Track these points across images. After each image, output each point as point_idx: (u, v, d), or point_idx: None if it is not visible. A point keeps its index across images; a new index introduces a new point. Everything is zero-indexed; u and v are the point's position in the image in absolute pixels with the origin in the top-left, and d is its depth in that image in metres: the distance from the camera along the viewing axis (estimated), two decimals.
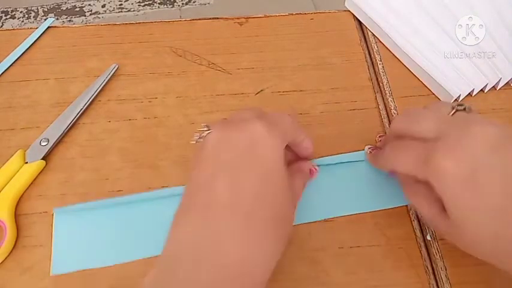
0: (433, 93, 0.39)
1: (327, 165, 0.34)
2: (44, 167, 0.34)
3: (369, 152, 0.34)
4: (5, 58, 0.40)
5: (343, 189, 0.33)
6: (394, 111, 0.38)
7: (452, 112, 0.27)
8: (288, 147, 0.32)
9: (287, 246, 0.26)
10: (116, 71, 0.40)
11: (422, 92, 0.39)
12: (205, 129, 0.27)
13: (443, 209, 0.25)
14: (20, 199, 0.33)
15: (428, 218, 0.27)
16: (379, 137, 0.35)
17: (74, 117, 0.36)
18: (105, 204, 0.32)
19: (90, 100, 0.37)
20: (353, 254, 0.31)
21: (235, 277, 0.23)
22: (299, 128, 0.30)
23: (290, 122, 0.29)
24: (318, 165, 0.33)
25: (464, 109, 0.27)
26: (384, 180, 0.33)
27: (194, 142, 0.28)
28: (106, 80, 0.39)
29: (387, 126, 0.37)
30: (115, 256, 0.30)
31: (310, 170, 0.33)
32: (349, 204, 0.33)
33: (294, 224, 0.31)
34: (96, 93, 0.38)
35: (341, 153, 0.35)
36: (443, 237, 0.28)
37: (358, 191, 0.33)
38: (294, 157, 0.33)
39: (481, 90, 0.39)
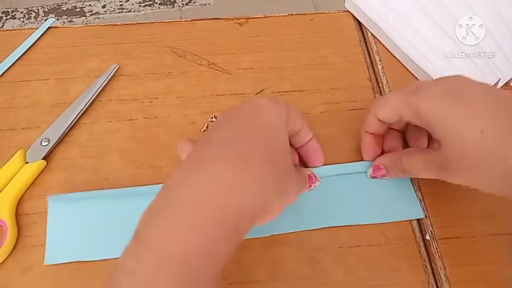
0: None
1: (329, 176, 0.34)
2: (45, 167, 0.34)
3: (371, 170, 0.34)
4: (5, 58, 0.40)
5: (343, 200, 0.33)
6: None
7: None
8: (298, 156, 0.33)
9: (282, 208, 0.26)
10: (116, 71, 0.40)
11: None
12: (214, 120, 0.29)
13: (433, 150, 0.29)
14: (20, 199, 0.33)
15: (422, 166, 0.29)
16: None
17: (74, 117, 0.36)
18: (104, 194, 0.32)
19: (91, 100, 0.38)
20: (353, 254, 0.31)
21: (217, 193, 0.23)
22: (306, 125, 0.31)
23: (297, 113, 0.30)
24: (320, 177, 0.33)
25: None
26: (386, 193, 0.33)
27: (202, 130, 0.29)
28: (107, 80, 0.39)
29: None
30: (113, 249, 0.29)
31: (309, 176, 0.32)
32: (349, 216, 0.32)
33: (292, 230, 0.31)
34: (96, 93, 0.38)
35: (341, 160, 0.34)
36: (442, 178, 0.28)
37: (358, 203, 0.33)
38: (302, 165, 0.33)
39: None
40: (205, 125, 0.28)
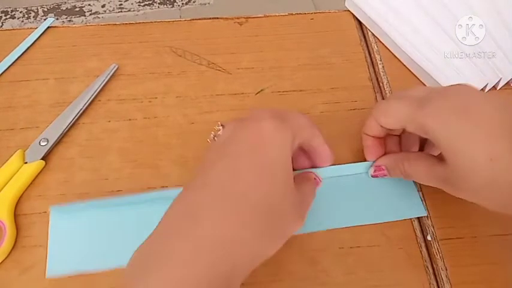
0: None
1: (330, 177, 0.33)
2: (44, 167, 0.34)
3: (373, 170, 0.33)
4: (4, 58, 0.40)
5: (344, 201, 0.33)
6: None
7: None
8: (305, 155, 0.32)
9: (280, 248, 0.25)
10: (115, 71, 0.40)
11: None
12: (220, 127, 0.27)
13: (438, 160, 0.28)
14: (19, 199, 0.33)
15: (425, 174, 0.29)
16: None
17: (73, 117, 0.36)
18: (105, 203, 0.32)
19: (90, 100, 0.37)
20: (353, 254, 0.31)
21: (210, 251, 0.22)
22: (315, 130, 0.30)
23: (304, 121, 0.29)
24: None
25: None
26: (387, 192, 0.33)
27: (209, 141, 0.28)
28: (106, 80, 0.39)
29: None
30: (115, 259, 0.29)
31: (314, 179, 0.32)
32: (351, 217, 0.32)
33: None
34: (95, 93, 0.38)
35: (341, 160, 0.34)
36: (445, 189, 0.28)
37: (360, 203, 0.33)
38: (310, 166, 0.32)
39: (481, 90, 0.39)
40: (212, 135, 0.28)
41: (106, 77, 0.39)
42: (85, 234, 0.31)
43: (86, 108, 0.37)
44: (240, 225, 0.23)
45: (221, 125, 0.27)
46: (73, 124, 0.36)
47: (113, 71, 0.39)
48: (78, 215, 0.31)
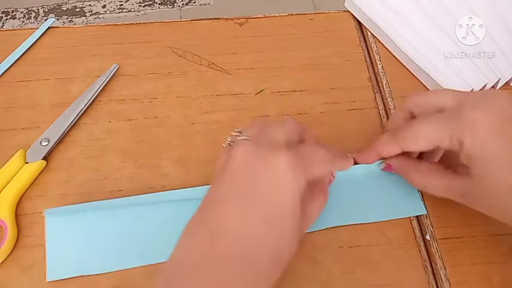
0: None
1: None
2: (45, 167, 0.34)
3: (383, 165, 0.33)
4: (5, 58, 0.40)
5: (344, 200, 0.33)
6: (394, 111, 0.38)
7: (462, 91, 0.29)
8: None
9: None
10: (116, 71, 0.40)
11: None
12: (238, 134, 0.27)
13: (455, 174, 0.27)
14: (20, 199, 0.33)
15: (442, 189, 0.28)
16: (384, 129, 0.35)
17: (74, 117, 0.36)
18: (102, 205, 0.32)
19: (91, 100, 0.38)
20: (353, 254, 0.31)
21: None
22: (331, 165, 0.29)
23: (321, 156, 0.28)
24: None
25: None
26: (387, 191, 0.33)
27: (225, 145, 0.28)
28: (106, 80, 0.39)
29: None
30: (114, 262, 0.30)
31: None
32: (351, 215, 0.32)
33: None
34: (96, 93, 0.38)
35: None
36: (460, 201, 0.28)
37: (360, 202, 0.33)
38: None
39: (480, 89, 0.39)
40: (229, 140, 0.27)
41: (107, 77, 0.39)
42: (83, 236, 0.31)
43: (87, 108, 0.37)
44: (252, 273, 0.24)
45: (239, 132, 0.27)
46: (74, 124, 0.36)
47: (114, 71, 0.40)
48: (75, 218, 0.31)
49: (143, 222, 0.31)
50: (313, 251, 0.31)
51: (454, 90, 0.29)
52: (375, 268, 0.30)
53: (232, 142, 0.27)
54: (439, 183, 0.29)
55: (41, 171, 0.34)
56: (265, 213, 0.25)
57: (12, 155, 0.34)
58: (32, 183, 0.33)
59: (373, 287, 0.30)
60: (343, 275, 0.30)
